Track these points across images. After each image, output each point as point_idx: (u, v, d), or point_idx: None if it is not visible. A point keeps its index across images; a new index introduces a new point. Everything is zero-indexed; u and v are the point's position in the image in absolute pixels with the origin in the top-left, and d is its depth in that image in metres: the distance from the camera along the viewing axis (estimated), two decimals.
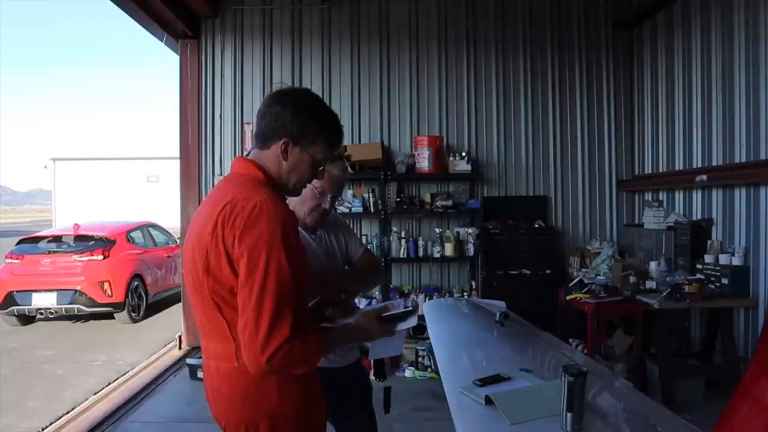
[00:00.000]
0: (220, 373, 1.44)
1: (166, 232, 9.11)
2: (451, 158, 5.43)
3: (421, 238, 5.48)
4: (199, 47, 5.69)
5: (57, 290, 6.94)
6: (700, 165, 4.67)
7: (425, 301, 4.98)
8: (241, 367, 1.36)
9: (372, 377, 4.53)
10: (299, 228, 2.01)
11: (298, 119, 1.42)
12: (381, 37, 5.70)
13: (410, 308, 1.71)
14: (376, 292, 5.35)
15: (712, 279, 4.17)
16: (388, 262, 5.36)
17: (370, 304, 5.05)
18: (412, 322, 1.70)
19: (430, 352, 4.73)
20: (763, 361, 0.83)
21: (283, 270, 1.29)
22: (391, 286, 5.51)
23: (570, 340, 4.37)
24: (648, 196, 5.50)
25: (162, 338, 6.37)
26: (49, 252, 7.27)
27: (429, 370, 4.83)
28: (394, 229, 5.46)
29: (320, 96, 1.57)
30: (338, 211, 4.91)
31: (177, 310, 6.68)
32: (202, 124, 5.68)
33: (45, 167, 25.96)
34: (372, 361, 2.08)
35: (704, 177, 4.42)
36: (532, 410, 1.59)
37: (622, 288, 4.24)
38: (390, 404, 2.31)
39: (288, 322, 1.29)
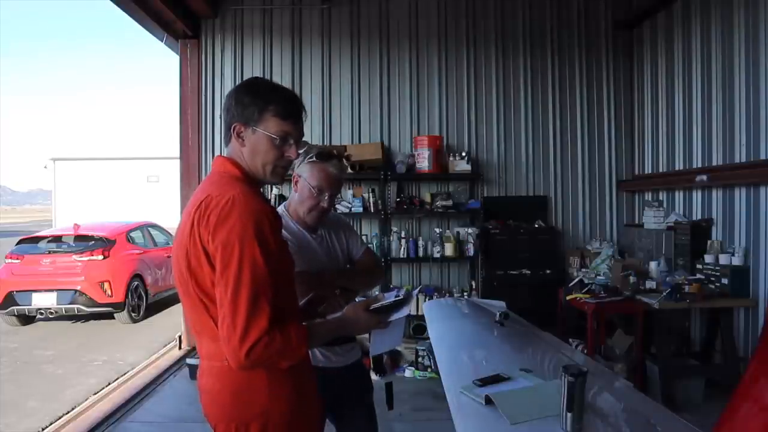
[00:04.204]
0: (212, 372, 1.45)
1: (166, 232, 9.11)
2: (451, 158, 5.43)
3: (421, 238, 5.48)
4: (199, 47, 5.69)
5: (57, 290, 6.95)
6: (700, 165, 4.67)
7: (425, 301, 4.98)
8: (231, 366, 1.36)
9: (372, 374, 4.51)
10: (301, 228, 2.03)
11: (240, 101, 1.43)
12: (381, 37, 5.70)
13: (401, 297, 1.67)
14: (377, 291, 5.35)
15: (712, 279, 4.17)
16: (388, 262, 5.36)
17: None
18: (406, 311, 1.66)
19: (430, 352, 4.73)
20: (763, 361, 0.83)
21: (257, 263, 1.29)
22: (391, 286, 5.51)
23: (570, 340, 4.37)
24: (648, 196, 5.50)
25: (162, 338, 6.37)
26: (49, 252, 7.28)
27: (429, 370, 4.83)
28: (394, 229, 5.46)
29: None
30: (338, 211, 4.92)
31: (177, 310, 6.68)
32: (202, 124, 5.68)
33: (45, 167, 25.93)
34: (371, 358, 2.02)
35: (704, 177, 4.43)
36: (532, 410, 1.59)
37: (622, 288, 4.24)
38: (393, 400, 2.30)
39: (265, 314, 1.28)
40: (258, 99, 1.42)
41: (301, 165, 2.01)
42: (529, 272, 5.33)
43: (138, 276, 7.62)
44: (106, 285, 7.05)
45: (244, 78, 5.58)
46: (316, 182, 1.97)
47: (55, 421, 4.00)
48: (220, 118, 6.12)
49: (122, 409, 4.13)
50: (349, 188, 5.46)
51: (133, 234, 8.05)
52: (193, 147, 5.67)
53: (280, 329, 1.31)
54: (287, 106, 1.45)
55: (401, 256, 5.36)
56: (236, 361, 1.30)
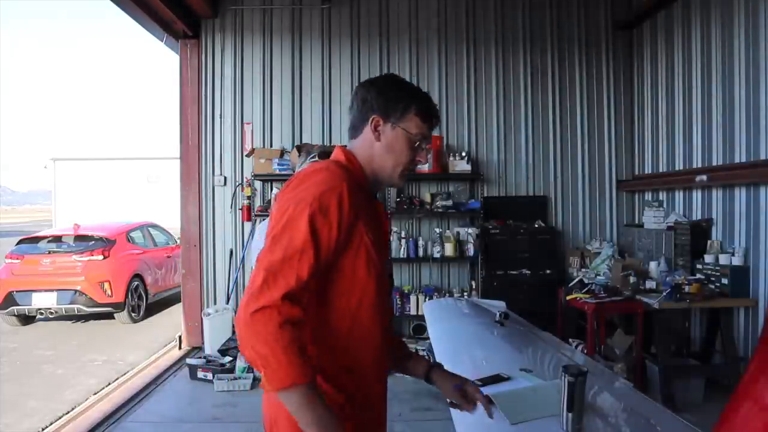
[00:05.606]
0: None
1: (166, 232, 9.11)
2: (451, 158, 5.43)
3: (421, 238, 5.48)
4: (199, 47, 5.69)
5: (57, 290, 6.94)
6: (700, 165, 4.67)
7: (425, 301, 4.99)
8: None
9: None
10: None
11: (384, 94, 1.34)
12: (381, 37, 5.70)
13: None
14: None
15: (712, 279, 4.17)
16: None
17: None
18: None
19: (430, 352, 4.73)
20: (763, 360, 0.83)
21: (300, 231, 1.15)
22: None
23: (570, 340, 4.37)
24: (648, 196, 5.50)
25: (162, 338, 6.37)
26: (49, 252, 7.27)
27: None
28: (394, 229, 5.46)
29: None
30: None
31: (177, 310, 6.68)
32: (202, 124, 5.68)
33: (45, 167, 25.91)
34: None
35: (704, 177, 4.43)
36: (532, 410, 1.59)
37: (622, 288, 4.25)
38: None
39: (284, 285, 1.12)
40: (404, 95, 1.35)
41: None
42: (529, 272, 5.34)
43: (138, 276, 7.61)
44: (106, 285, 7.04)
45: (244, 78, 5.66)
46: None
47: (55, 421, 4.00)
48: (221, 118, 6.10)
49: (122, 409, 4.13)
50: None
51: (133, 234, 8.05)
52: (193, 147, 5.67)
53: (291, 323, 1.11)
54: (430, 108, 1.37)
55: (401, 256, 5.36)
56: (240, 318, 1.13)
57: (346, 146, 1.42)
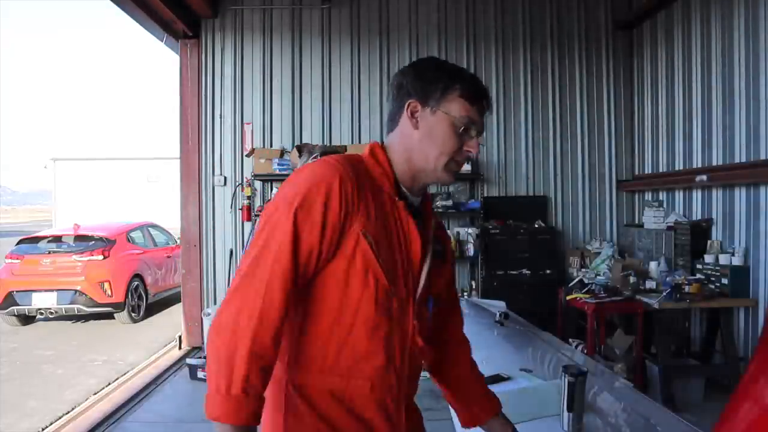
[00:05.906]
0: None
1: (166, 232, 9.11)
2: None
3: None
4: (199, 47, 5.69)
5: (57, 290, 6.93)
6: (700, 165, 4.67)
7: None
8: (274, 378, 1.07)
9: None
10: None
11: (421, 76, 1.16)
12: (381, 37, 5.70)
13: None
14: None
15: (712, 279, 4.17)
16: None
17: None
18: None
19: None
20: (763, 360, 0.83)
21: (278, 232, 1.01)
22: None
23: (570, 340, 4.36)
24: (648, 196, 5.50)
25: (162, 338, 6.37)
26: (49, 252, 7.26)
27: None
28: None
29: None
30: None
31: (177, 310, 6.68)
32: (202, 124, 5.68)
33: (45, 167, 25.91)
34: None
35: (704, 177, 4.43)
36: (532, 410, 1.59)
37: (622, 288, 4.24)
38: None
39: (253, 297, 1.00)
40: (444, 75, 1.15)
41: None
42: (529, 272, 5.34)
43: (138, 276, 7.61)
44: (106, 285, 7.04)
45: (244, 78, 5.66)
46: None
47: (55, 421, 4.00)
48: (221, 118, 6.09)
49: (122, 409, 4.13)
50: None
51: (133, 234, 8.04)
52: (193, 147, 5.67)
53: (256, 350, 0.97)
54: (477, 90, 1.16)
55: None
56: (211, 326, 1.02)
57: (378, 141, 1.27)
